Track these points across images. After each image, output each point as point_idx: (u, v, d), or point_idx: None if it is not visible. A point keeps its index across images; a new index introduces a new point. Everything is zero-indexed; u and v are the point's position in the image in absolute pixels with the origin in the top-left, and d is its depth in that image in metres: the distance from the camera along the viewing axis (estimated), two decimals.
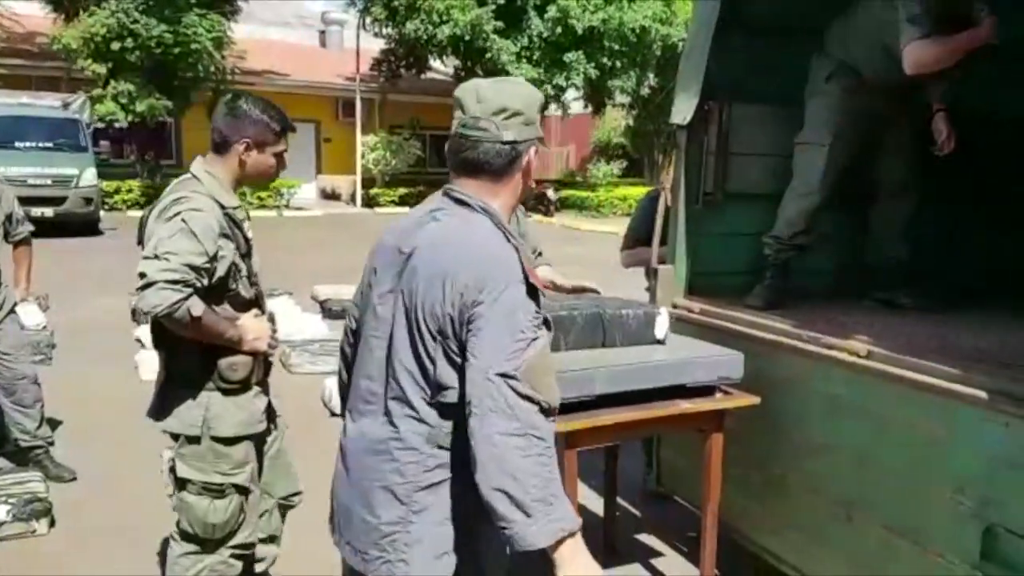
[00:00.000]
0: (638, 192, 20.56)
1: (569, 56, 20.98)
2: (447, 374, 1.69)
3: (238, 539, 2.69)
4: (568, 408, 2.66)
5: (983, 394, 2.37)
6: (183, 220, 2.41)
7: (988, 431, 2.35)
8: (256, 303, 2.74)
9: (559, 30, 20.58)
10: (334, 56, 28.25)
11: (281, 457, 2.95)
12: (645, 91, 22.90)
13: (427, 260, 1.73)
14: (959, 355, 2.73)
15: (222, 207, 2.55)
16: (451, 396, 1.70)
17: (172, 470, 2.64)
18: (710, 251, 3.88)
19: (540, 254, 3.65)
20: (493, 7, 20.18)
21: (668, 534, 3.96)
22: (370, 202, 23.56)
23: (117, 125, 18.69)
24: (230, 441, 2.62)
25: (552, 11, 20.42)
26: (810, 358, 3.02)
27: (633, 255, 4.44)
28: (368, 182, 23.97)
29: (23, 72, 19.91)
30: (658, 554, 3.80)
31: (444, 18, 20.15)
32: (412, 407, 1.74)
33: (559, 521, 1.57)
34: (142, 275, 2.33)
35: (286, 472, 2.98)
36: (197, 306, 2.38)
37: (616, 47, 21.13)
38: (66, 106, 15.99)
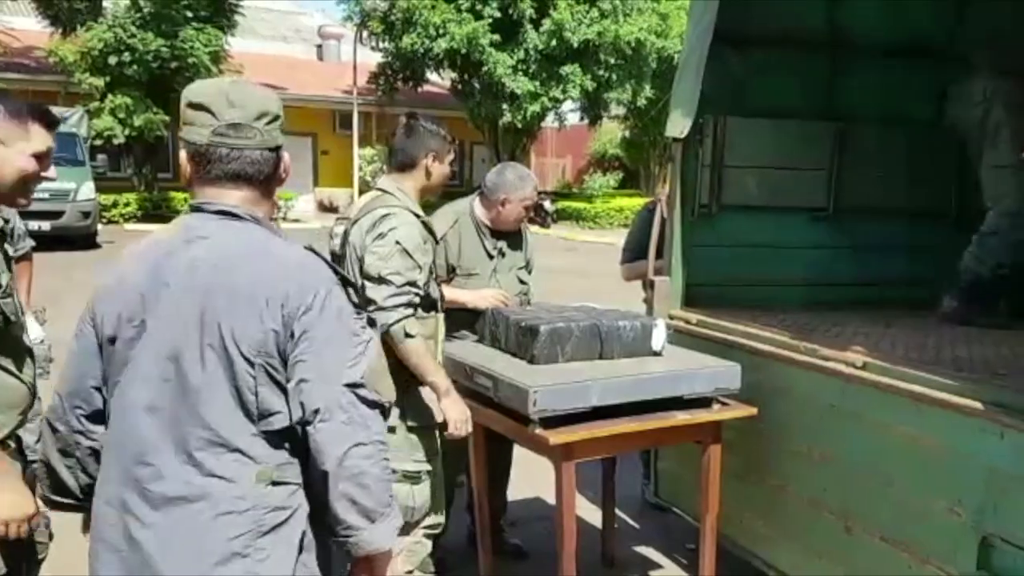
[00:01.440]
0: (634, 203, 20.58)
1: (565, 69, 21.04)
2: (270, 398, 1.57)
3: (429, 520, 2.89)
4: (565, 420, 2.68)
5: (979, 404, 2.37)
6: (397, 241, 2.64)
7: (984, 441, 2.35)
8: (436, 303, 2.89)
9: (555, 43, 20.63)
10: (331, 70, 28.32)
11: None
12: (641, 103, 22.94)
13: (219, 283, 1.56)
14: (955, 366, 2.75)
15: (416, 216, 2.78)
16: (278, 421, 1.57)
17: None
18: (707, 262, 3.89)
19: (529, 268, 3.69)
20: (489, 21, 20.25)
21: (667, 546, 3.95)
22: None
23: (116, 142, 18.70)
24: (423, 430, 2.79)
25: (547, 24, 20.49)
26: (807, 369, 3.02)
27: (633, 268, 4.45)
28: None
29: (20, 86, 19.84)
30: (657, 566, 3.80)
31: (441, 32, 20.23)
32: (233, 448, 1.55)
33: (396, 519, 1.64)
34: (371, 300, 2.59)
35: None
36: (413, 326, 2.62)
37: (612, 60, 21.21)
38: (63, 120, 15.95)
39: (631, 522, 4.25)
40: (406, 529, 2.82)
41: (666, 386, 2.89)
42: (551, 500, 2.90)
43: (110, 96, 18.43)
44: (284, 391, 1.57)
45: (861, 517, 2.82)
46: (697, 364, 3.04)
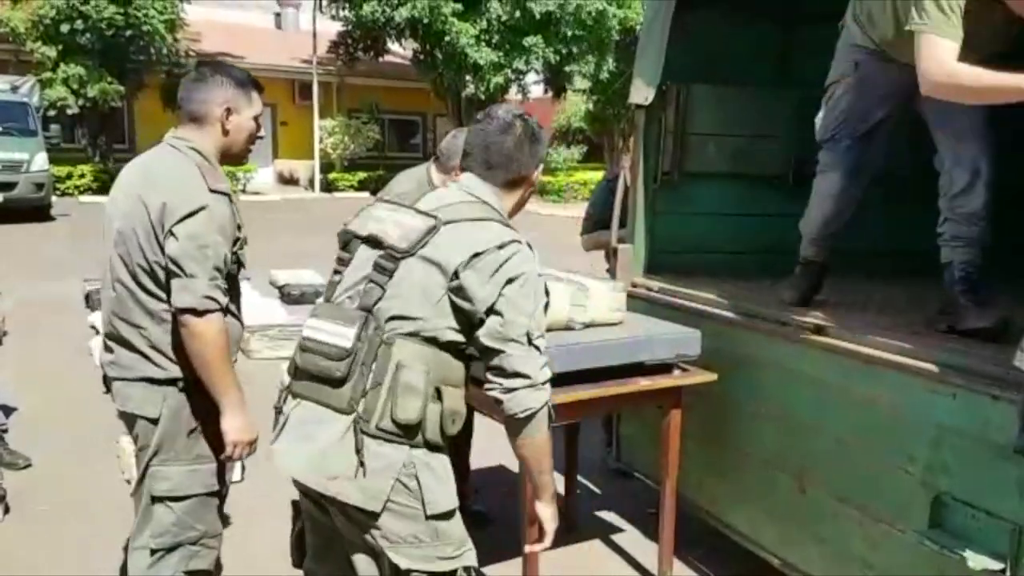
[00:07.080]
0: (598, 177, 20.60)
1: (528, 40, 20.89)
2: None
3: None
4: None
5: (932, 366, 2.42)
6: (547, 292, 2.13)
7: (937, 402, 2.40)
8: None
9: (518, 14, 20.47)
10: (290, 38, 27.83)
11: None
12: (604, 75, 22.87)
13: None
14: (909, 328, 2.79)
15: None
16: None
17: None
18: (668, 230, 3.91)
19: None
20: None
21: (628, 510, 4.00)
22: (329, 187, 23.30)
23: (69, 112, 18.28)
24: (449, 515, 1.95)
25: None
26: (765, 333, 3.06)
27: (593, 238, 4.46)
28: (327, 167, 23.72)
29: None
30: (618, 530, 3.84)
31: (402, 0, 19.95)
32: None
33: None
34: (518, 373, 1.86)
35: None
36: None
37: (574, 32, 21.11)
38: (15, 89, 15.58)
39: (593, 487, 4.30)
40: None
41: (628, 352, 2.91)
42: (514, 468, 2.90)
43: (63, 65, 18.00)
44: None
45: (815, 478, 2.87)
46: (658, 330, 3.06)
